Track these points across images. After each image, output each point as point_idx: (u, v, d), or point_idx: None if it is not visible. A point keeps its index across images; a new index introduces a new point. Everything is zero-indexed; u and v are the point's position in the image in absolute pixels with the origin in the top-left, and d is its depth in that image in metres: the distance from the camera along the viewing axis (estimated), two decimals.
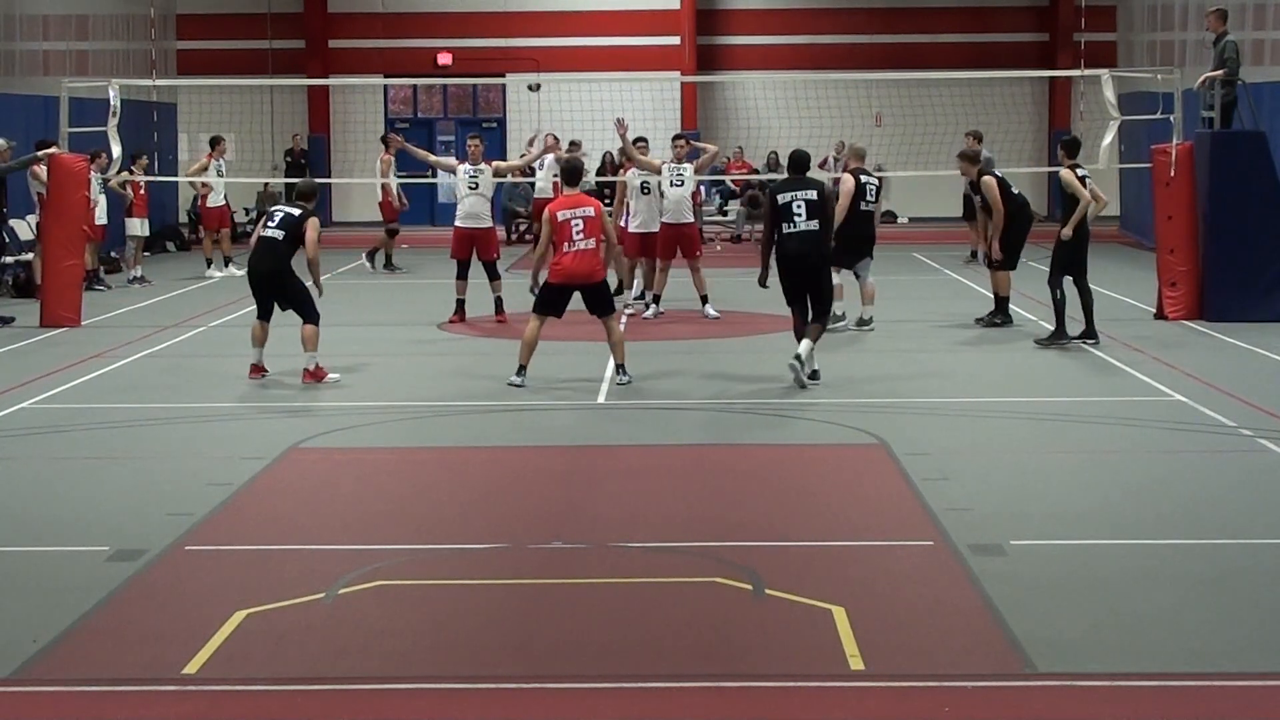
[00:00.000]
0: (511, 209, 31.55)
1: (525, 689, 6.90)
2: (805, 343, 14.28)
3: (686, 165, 19.80)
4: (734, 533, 9.46)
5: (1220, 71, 18.62)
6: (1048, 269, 17.00)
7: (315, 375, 14.65)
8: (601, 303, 14.50)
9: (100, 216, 22.85)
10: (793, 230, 14.32)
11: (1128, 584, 8.29)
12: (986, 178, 18.05)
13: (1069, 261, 16.64)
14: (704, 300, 19.51)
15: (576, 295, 14.43)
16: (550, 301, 14.42)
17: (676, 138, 20.41)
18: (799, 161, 14.77)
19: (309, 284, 14.75)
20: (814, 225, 14.36)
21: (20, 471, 11.24)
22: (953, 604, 7.96)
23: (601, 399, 13.93)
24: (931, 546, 9.03)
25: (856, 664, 7.10)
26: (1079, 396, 13.91)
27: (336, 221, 36.27)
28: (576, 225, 14.15)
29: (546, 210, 14.42)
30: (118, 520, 9.72)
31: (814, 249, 14.40)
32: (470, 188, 19.10)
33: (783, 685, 6.91)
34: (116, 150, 20.24)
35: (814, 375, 14.31)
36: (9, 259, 21.96)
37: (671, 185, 19.48)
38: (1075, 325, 16.61)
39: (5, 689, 6.92)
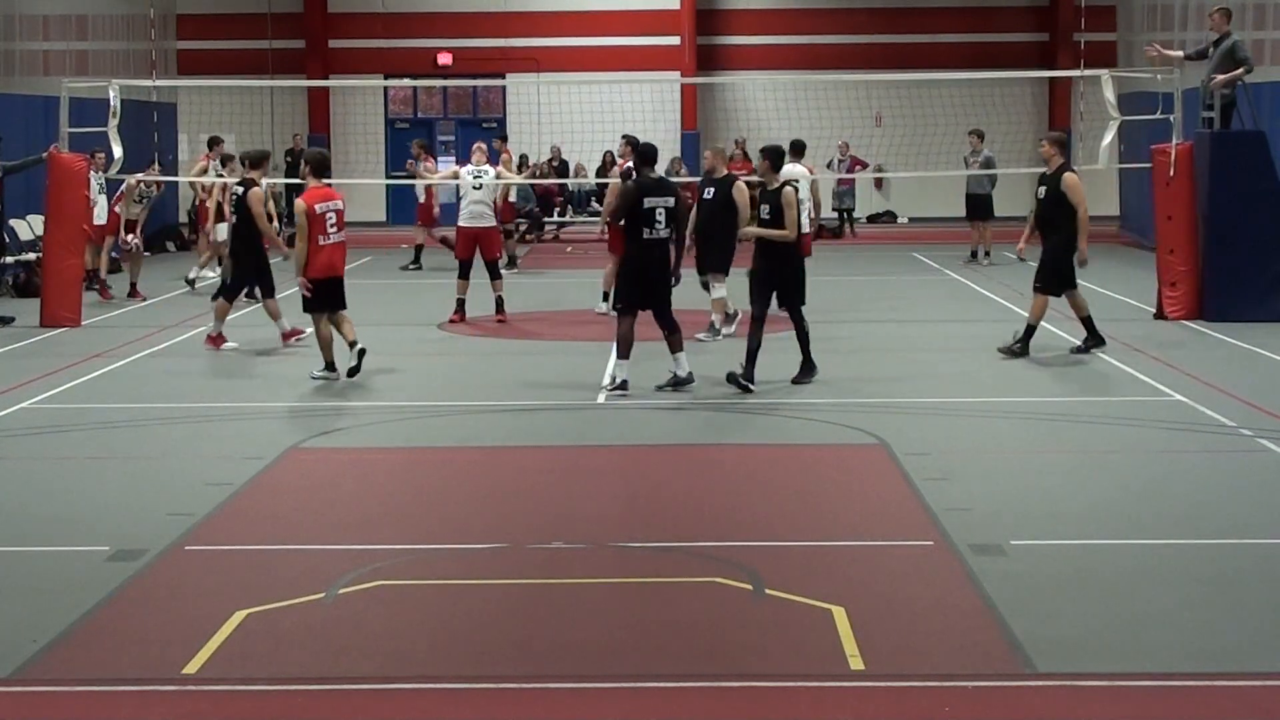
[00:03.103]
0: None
1: (525, 689, 6.90)
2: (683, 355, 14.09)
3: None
4: (734, 533, 9.46)
5: (1241, 70, 18.49)
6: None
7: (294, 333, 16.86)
8: (343, 297, 14.91)
9: (99, 216, 22.81)
10: (653, 237, 13.92)
11: (1128, 584, 8.29)
12: (1071, 175, 15.84)
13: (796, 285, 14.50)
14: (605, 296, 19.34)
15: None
16: (323, 298, 14.70)
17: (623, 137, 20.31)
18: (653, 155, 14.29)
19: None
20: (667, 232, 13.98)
21: (20, 471, 11.24)
22: (953, 604, 7.96)
23: (601, 399, 13.92)
24: (931, 546, 9.03)
25: (856, 664, 7.10)
26: (1079, 396, 13.91)
27: None
28: (330, 218, 14.57)
29: (303, 203, 14.57)
30: (118, 520, 9.72)
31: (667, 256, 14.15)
32: (475, 188, 19.17)
33: (783, 685, 6.91)
34: (118, 151, 20.21)
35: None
36: (9, 259, 21.95)
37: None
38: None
39: (5, 689, 6.92)
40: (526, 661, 7.21)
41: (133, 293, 21.81)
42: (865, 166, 33.91)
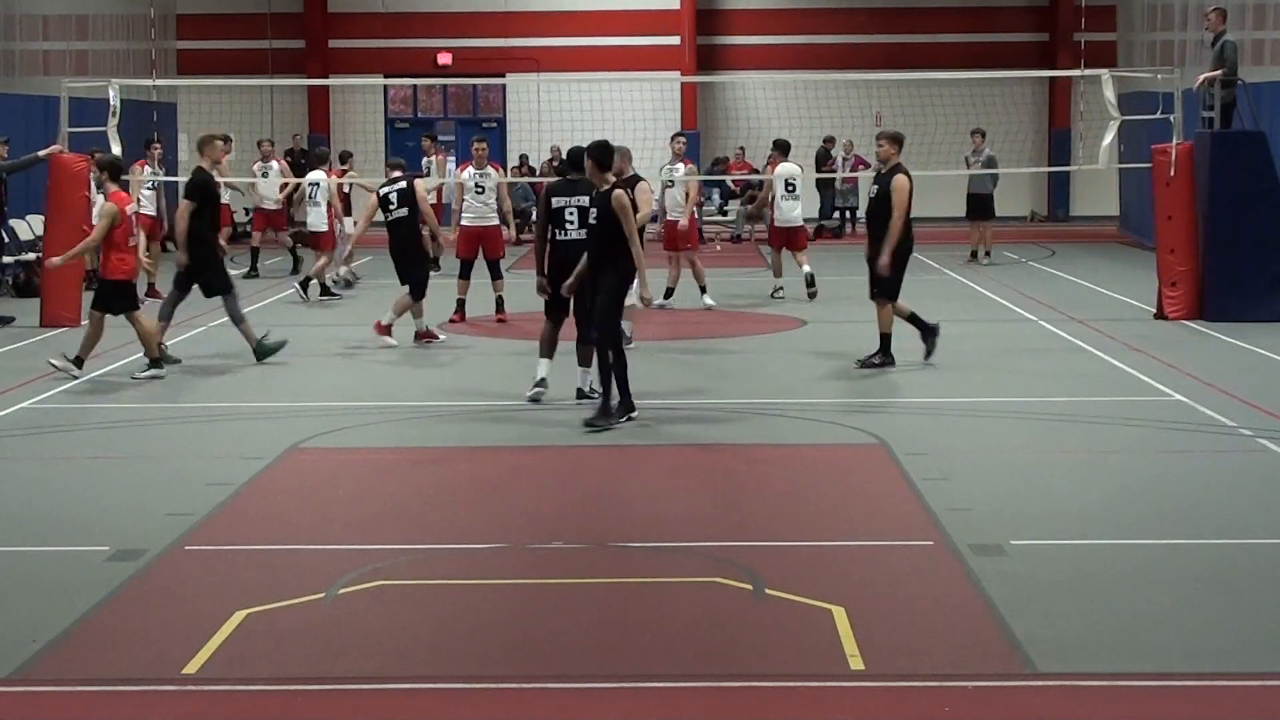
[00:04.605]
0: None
1: (525, 689, 6.90)
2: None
3: (679, 165, 20.73)
4: (734, 533, 9.46)
5: (1219, 71, 18.62)
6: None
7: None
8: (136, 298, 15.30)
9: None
10: (565, 238, 13.35)
11: (1128, 584, 8.29)
12: (902, 177, 15.06)
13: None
14: (702, 290, 20.20)
15: None
16: (123, 299, 15.01)
17: (675, 136, 21.36)
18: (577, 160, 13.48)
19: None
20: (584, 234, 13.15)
21: (20, 471, 11.24)
22: (953, 604, 7.96)
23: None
24: (931, 546, 9.03)
25: (856, 664, 7.10)
26: (1079, 396, 13.91)
27: None
28: (132, 222, 15.32)
29: (115, 206, 14.90)
30: (118, 520, 9.73)
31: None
32: (477, 190, 19.21)
33: (783, 685, 6.91)
34: (117, 151, 20.19)
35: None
36: (9, 259, 21.93)
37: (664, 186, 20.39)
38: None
39: (5, 689, 6.92)
40: (526, 661, 7.21)
41: (151, 293, 21.69)
42: (869, 166, 33.94)
